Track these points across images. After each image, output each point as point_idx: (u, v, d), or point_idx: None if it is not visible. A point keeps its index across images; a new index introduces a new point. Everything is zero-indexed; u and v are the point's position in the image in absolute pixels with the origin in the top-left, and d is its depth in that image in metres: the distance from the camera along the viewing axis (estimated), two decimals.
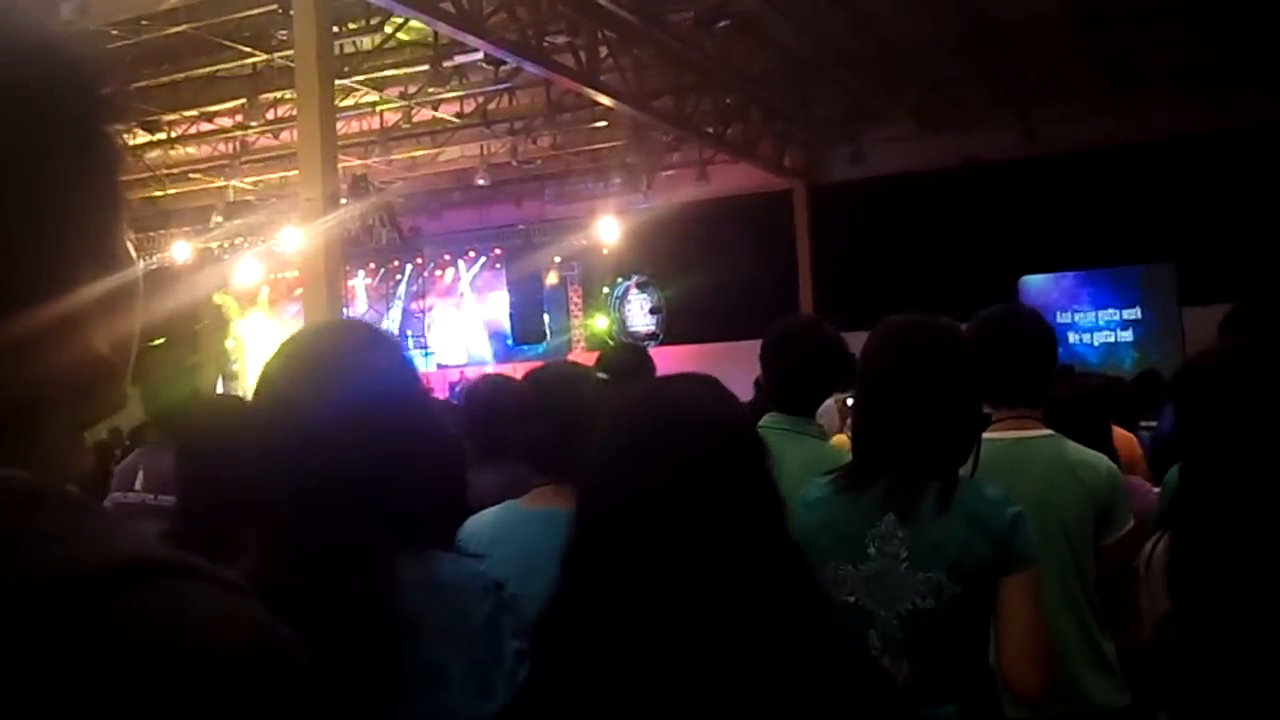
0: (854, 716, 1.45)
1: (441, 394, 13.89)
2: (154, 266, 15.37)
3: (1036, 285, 14.51)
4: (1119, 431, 4.06)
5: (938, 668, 2.27)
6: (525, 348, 17.68)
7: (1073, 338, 14.28)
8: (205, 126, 14.01)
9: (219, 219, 16.27)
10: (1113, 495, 2.85)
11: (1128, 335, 14.55)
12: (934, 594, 2.25)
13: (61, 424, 0.76)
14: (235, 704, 0.66)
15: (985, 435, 2.67)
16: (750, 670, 1.41)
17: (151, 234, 16.33)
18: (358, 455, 1.61)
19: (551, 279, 18.10)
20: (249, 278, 17.45)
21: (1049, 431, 2.90)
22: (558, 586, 1.55)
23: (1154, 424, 5.31)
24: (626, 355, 4.35)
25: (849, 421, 6.31)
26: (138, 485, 3.88)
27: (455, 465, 2.21)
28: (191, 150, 15.03)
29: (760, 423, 3.34)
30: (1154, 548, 2.39)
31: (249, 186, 16.32)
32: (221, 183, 15.79)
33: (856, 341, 3.73)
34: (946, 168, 15.06)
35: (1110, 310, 14.65)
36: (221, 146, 15.03)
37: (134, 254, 0.80)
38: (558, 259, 17.98)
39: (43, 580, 0.64)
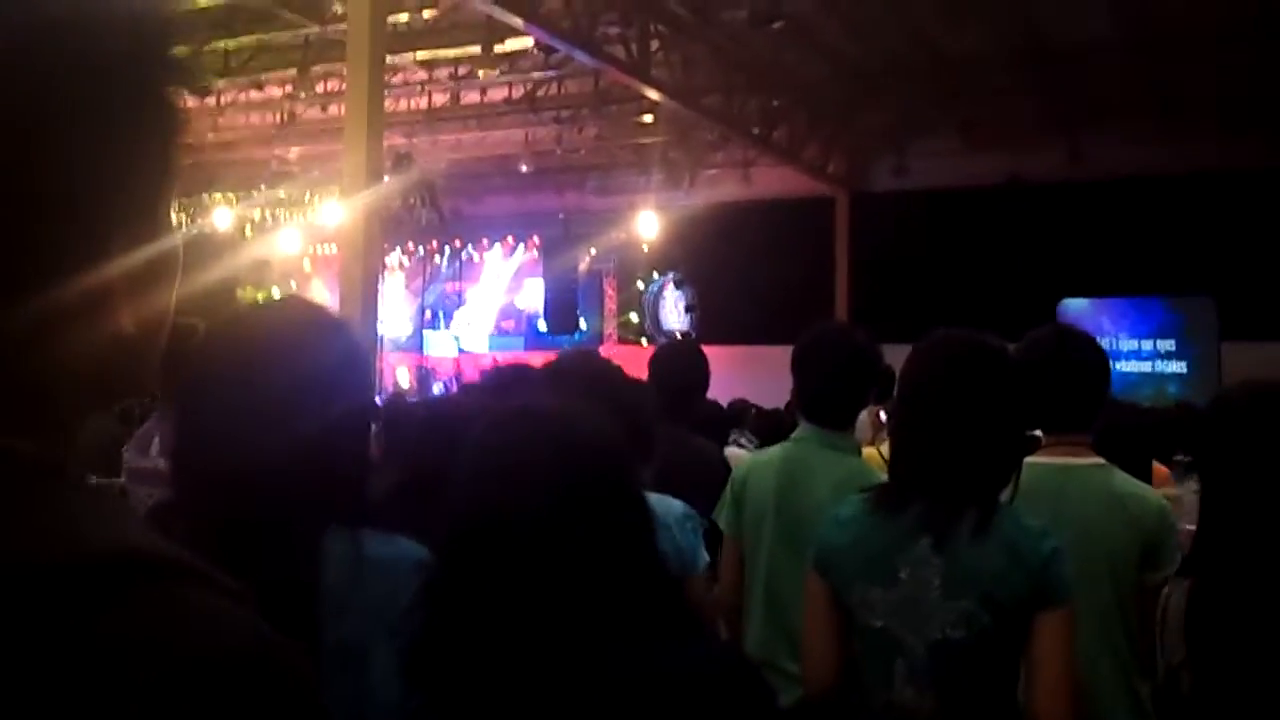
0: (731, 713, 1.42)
1: (471, 378, 13.89)
2: (194, 234, 15.44)
3: (1077, 309, 14.37)
4: (1155, 466, 3.99)
5: (964, 700, 2.21)
6: (557, 337, 17.66)
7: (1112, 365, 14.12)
8: (254, 95, 14.03)
9: (263, 188, 16.32)
10: (1162, 532, 2.72)
11: (1166, 366, 14.39)
12: (965, 624, 2.19)
13: (79, 403, 0.73)
14: (232, 714, 0.63)
15: (1032, 460, 2.60)
16: (620, 683, 1.39)
17: (193, 199, 16.38)
18: (284, 434, 1.58)
19: (587, 271, 18.08)
20: (290, 249, 17.49)
21: (1099, 460, 2.80)
22: (421, 612, 1.52)
23: (1188, 458, 5.22)
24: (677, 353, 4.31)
25: (881, 434, 6.25)
26: (153, 450, 3.86)
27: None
28: (240, 119, 15.07)
29: (793, 435, 3.29)
30: (1171, 594, 2.33)
31: (294, 158, 16.35)
32: (267, 153, 15.83)
33: (890, 355, 3.68)
34: (990, 185, 14.95)
35: (1149, 340, 14.50)
36: (270, 116, 15.07)
37: (175, 228, 0.77)
38: (595, 251, 17.95)
39: (41, 564, 0.61)
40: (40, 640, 0.59)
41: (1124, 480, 2.79)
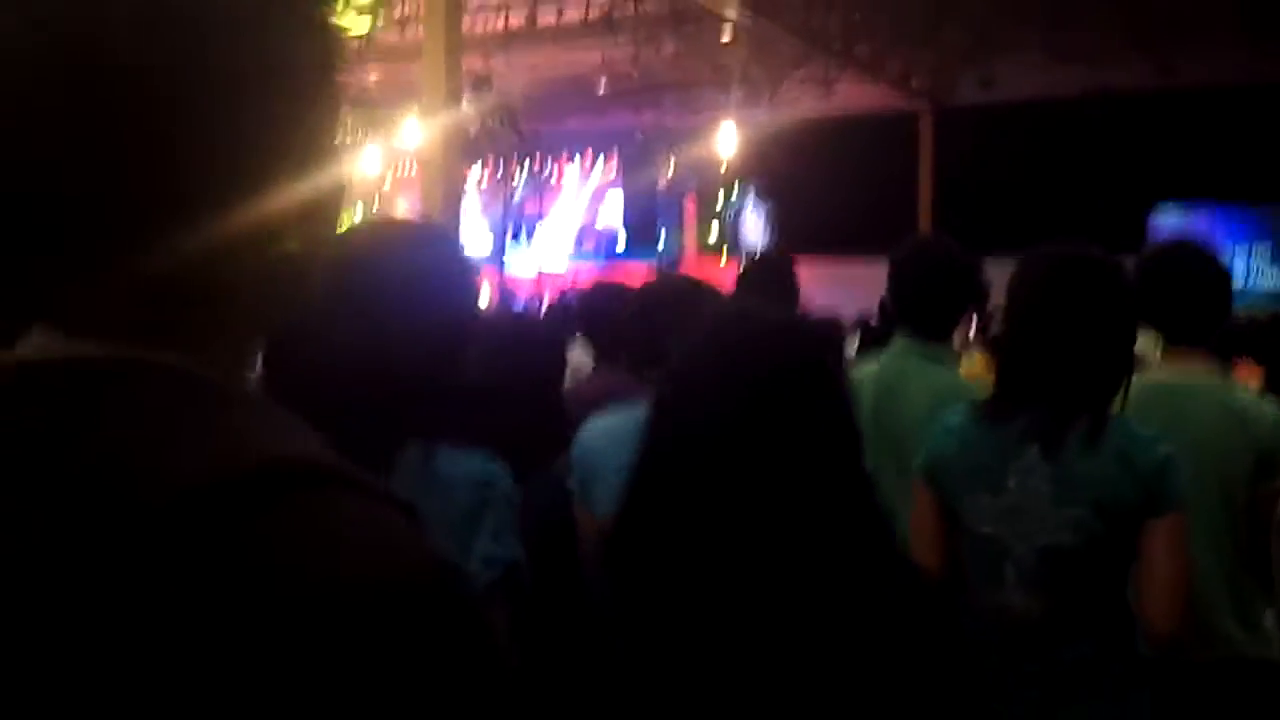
0: (911, 649, 1.40)
1: (551, 296, 13.96)
2: None
3: (1170, 219, 14.05)
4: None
5: (1073, 605, 2.23)
6: (636, 255, 17.65)
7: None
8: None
9: (344, 111, 16.39)
10: (1277, 443, 2.70)
11: (1266, 273, 14.06)
12: (1074, 530, 2.20)
13: (250, 323, 0.75)
14: (408, 630, 0.62)
15: (1149, 374, 2.59)
16: (811, 598, 1.38)
17: None
18: (370, 346, 1.59)
19: (667, 188, 18.00)
20: (371, 171, 17.60)
21: (1218, 373, 2.78)
22: (624, 505, 1.53)
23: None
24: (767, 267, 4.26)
25: (970, 346, 6.19)
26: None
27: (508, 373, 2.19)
28: None
29: (889, 347, 3.28)
30: None
31: (373, 81, 16.38)
32: (347, 76, 15.89)
33: None
34: (1077, 97, 14.59)
35: (1245, 245, 14.15)
36: (349, 40, 15.10)
37: (340, 151, 0.78)
38: (673, 168, 17.84)
39: (212, 470, 0.61)
40: (205, 546, 0.59)
41: (1243, 394, 2.78)
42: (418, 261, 1.73)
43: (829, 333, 1.54)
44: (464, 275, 1.81)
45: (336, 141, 0.78)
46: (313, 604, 0.59)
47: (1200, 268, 2.87)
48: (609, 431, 2.57)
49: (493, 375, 2.35)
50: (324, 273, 1.63)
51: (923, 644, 1.38)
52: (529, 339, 2.73)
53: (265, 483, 0.62)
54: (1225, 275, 2.89)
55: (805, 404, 1.46)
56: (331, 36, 0.76)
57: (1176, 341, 2.81)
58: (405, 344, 1.62)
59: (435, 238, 1.84)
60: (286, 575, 0.59)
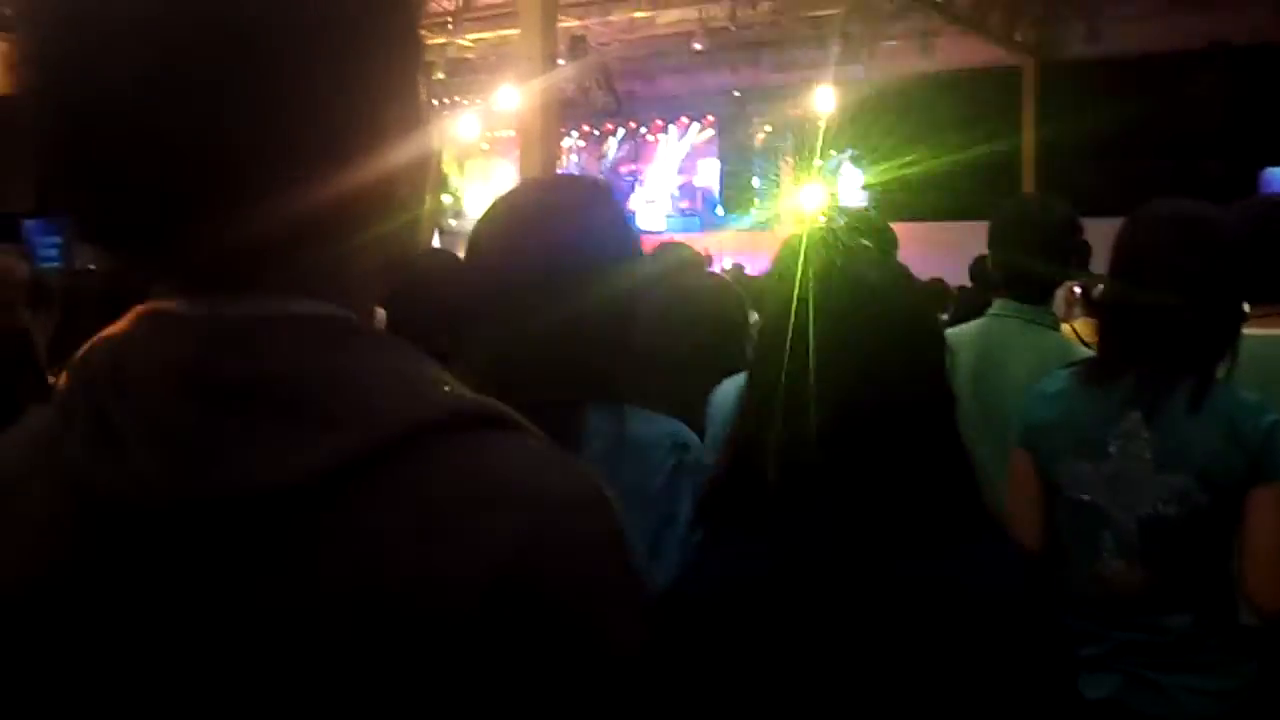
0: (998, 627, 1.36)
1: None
2: None
3: None
4: None
5: (1174, 575, 2.18)
6: (733, 217, 17.57)
7: None
8: None
9: (440, 75, 16.51)
10: None
11: None
12: (1177, 499, 2.15)
13: (376, 271, 0.78)
14: (598, 540, 0.69)
15: (1244, 331, 2.51)
16: (909, 564, 1.36)
17: None
18: (554, 310, 1.59)
19: (763, 148, 17.87)
20: (468, 134, 17.73)
21: None
22: (725, 457, 1.52)
23: None
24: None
25: (1075, 310, 6.05)
26: None
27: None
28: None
29: (991, 309, 3.22)
30: None
31: (469, 44, 16.47)
32: (443, 39, 15.98)
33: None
34: (1190, 49, 14.15)
35: None
36: (444, 3, 15.18)
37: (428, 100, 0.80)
38: (770, 129, 17.70)
39: (385, 426, 0.67)
40: (399, 492, 0.66)
41: None
42: (596, 220, 1.72)
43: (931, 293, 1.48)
44: (632, 233, 1.80)
45: (424, 90, 0.80)
46: (563, 510, 0.68)
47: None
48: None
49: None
50: (499, 236, 1.65)
51: (1009, 612, 1.35)
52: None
53: (462, 421, 0.69)
54: None
55: (915, 371, 1.43)
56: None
57: (1269, 300, 2.70)
58: (590, 305, 1.62)
59: (604, 195, 1.82)
60: (500, 491, 0.67)
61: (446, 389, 0.71)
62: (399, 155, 0.74)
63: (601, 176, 18.56)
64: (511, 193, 1.80)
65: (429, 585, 0.64)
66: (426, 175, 0.79)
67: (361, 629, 0.63)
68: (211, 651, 0.65)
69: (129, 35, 0.64)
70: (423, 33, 0.81)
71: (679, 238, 12.68)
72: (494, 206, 1.75)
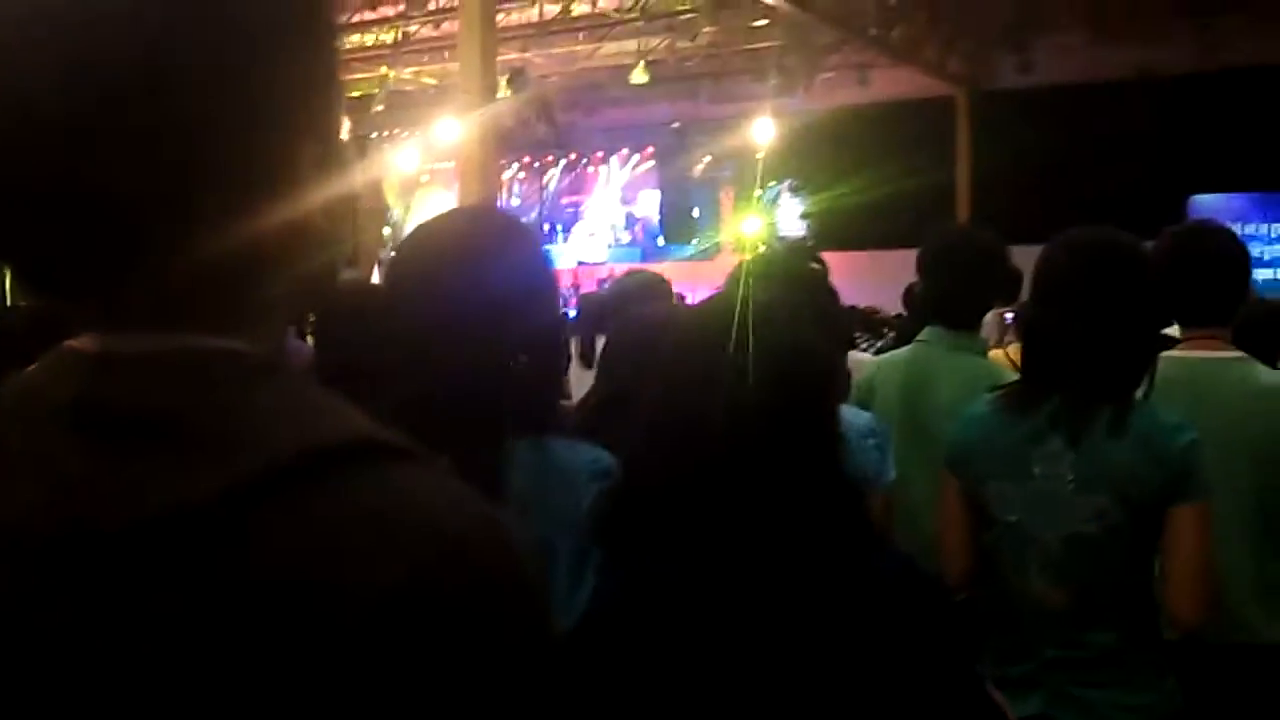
0: (910, 613, 1.41)
1: (589, 289, 13.99)
2: None
3: (1207, 205, 13.91)
4: None
5: (1097, 593, 2.23)
6: (674, 247, 17.67)
7: None
8: (368, 15, 14.14)
9: (379, 108, 16.49)
10: None
11: None
12: (1098, 519, 2.19)
13: (286, 302, 0.78)
14: (493, 567, 0.69)
15: (1171, 353, 2.56)
16: (805, 572, 1.38)
17: None
18: (478, 343, 1.60)
19: (703, 179, 18.00)
20: (408, 166, 17.71)
21: (1240, 354, 2.73)
22: (617, 484, 1.55)
23: None
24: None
25: (1007, 336, 6.14)
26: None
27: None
28: (354, 38, 15.21)
29: (919, 336, 3.28)
30: None
31: (409, 76, 16.47)
32: (382, 72, 15.97)
33: (1013, 256, 3.63)
34: (1119, 79, 14.45)
35: None
36: (383, 36, 15.17)
37: (346, 129, 0.81)
38: (710, 159, 17.84)
39: (278, 454, 0.66)
40: (281, 526, 0.65)
41: (1268, 374, 2.72)
42: (520, 256, 1.73)
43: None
44: (548, 270, 1.82)
45: (341, 116, 0.80)
46: (447, 554, 0.67)
47: (1219, 246, 2.81)
48: None
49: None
50: (415, 275, 1.65)
51: (911, 630, 1.39)
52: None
53: (350, 455, 0.68)
54: (1244, 254, 2.83)
55: (801, 406, 1.45)
56: (330, 14, 0.79)
57: (1194, 323, 2.77)
58: (516, 336, 1.63)
59: (522, 230, 1.84)
60: (383, 528, 0.66)
61: (345, 420, 0.71)
62: (315, 195, 0.74)
63: (536, 210, 18.59)
64: (428, 226, 1.80)
65: (323, 610, 0.64)
66: (344, 214, 0.79)
67: (251, 655, 0.63)
68: (96, 681, 0.65)
69: (35, 82, 0.64)
70: (359, 65, 0.81)
71: (619, 269, 12.64)
72: (412, 237, 1.77)
